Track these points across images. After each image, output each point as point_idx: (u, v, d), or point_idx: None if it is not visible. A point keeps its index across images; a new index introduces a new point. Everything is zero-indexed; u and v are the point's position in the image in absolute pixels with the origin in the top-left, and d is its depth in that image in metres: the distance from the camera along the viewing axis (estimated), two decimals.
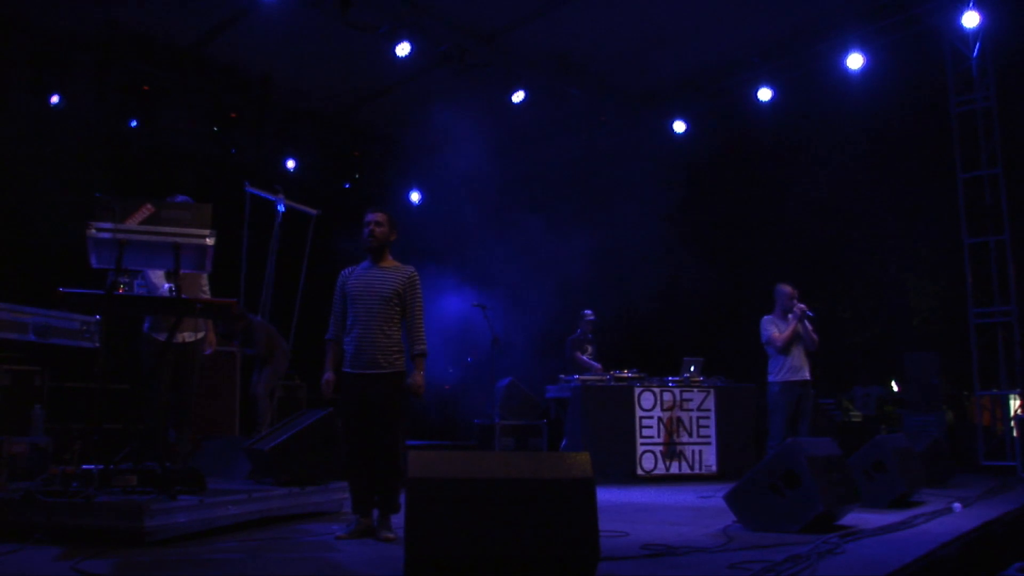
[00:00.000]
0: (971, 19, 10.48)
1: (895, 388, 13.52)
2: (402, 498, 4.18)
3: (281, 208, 10.54)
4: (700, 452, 9.81)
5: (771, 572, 4.02)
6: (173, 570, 4.16)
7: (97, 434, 5.31)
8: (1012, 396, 10.77)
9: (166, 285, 5.86)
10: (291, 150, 13.09)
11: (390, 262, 5.52)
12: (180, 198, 5.97)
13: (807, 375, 8.33)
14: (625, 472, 9.36)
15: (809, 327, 8.33)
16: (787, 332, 8.26)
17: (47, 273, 8.05)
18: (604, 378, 9.95)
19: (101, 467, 5.00)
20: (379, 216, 5.50)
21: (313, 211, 11.13)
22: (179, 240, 5.00)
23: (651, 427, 9.60)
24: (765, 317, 8.51)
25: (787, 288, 8.48)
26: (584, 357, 10.72)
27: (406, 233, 14.69)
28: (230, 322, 9.13)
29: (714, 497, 7.11)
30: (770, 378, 8.43)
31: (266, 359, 9.53)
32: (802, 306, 8.30)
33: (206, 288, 6.36)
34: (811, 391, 8.34)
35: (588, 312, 10.96)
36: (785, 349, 8.27)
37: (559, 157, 13.46)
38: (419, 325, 5.46)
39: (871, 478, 6.72)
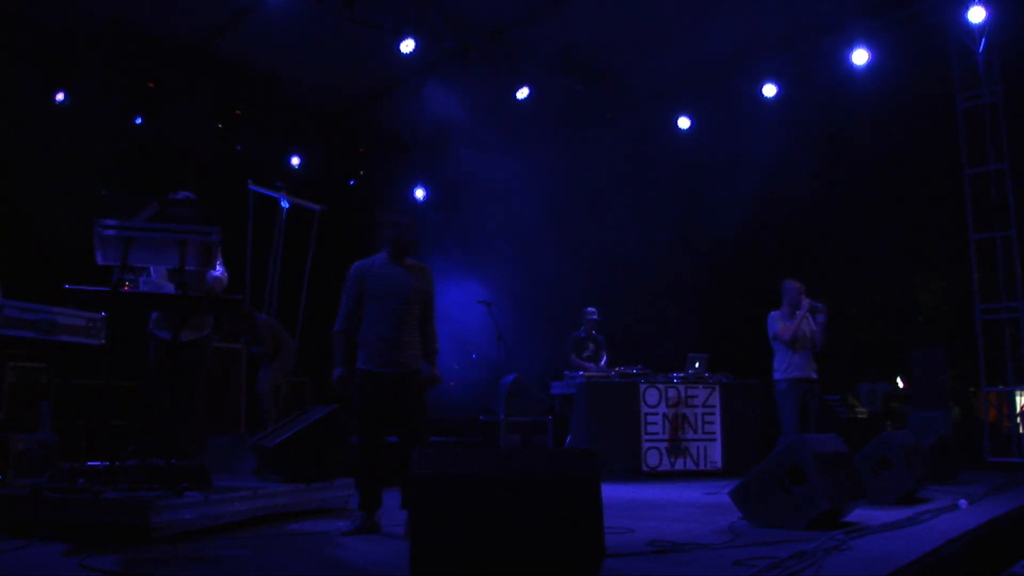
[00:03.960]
0: (977, 14, 10.45)
1: (901, 384, 13.52)
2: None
3: (285, 204, 10.56)
4: (705, 448, 9.81)
5: (777, 568, 4.02)
6: (179, 567, 4.16)
7: (103, 431, 5.32)
8: (1018, 392, 10.75)
9: (166, 284, 5.85)
10: (296, 147, 13.11)
11: (410, 261, 5.53)
12: (182, 194, 5.96)
13: (813, 374, 8.29)
14: (630, 469, 9.36)
15: (822, 320, 8.26)
16: (793, 325, 8.21)
17: (53, 270, 8.06)
18: (609, 375, 9.94)
19: (107, 463, 5.01)
20: (411, 218, 5.53)
21: (317, 207, 11.14)
22: (185, 237, 5.01)
23: (656, 424, 9.60)
24: (772, 313, 8.48)
25: (795, 284, 8.44)
26: (578, 359, 10.68)
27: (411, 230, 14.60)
28: (236, 320, 9.15)
29: (719, 494, 7.10)
30: (776, 375, 8.38)
31: (272, 357, 9.55)
32: (809, 300, 8.27)
33: (221, 275, 6.26)
34: (817, 389, 8.30)
35: (591, 309, 10.94)
36: (793, 344, 8.22)
37: (564, 154, 13.46)
38: (434, 324, 5.57)
39: (877, 475, 6.71)
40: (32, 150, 10.25)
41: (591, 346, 10.84)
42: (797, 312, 8.30)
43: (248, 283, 10.60)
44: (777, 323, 8.37)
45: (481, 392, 11.61)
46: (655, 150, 13.28)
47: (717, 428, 9.89)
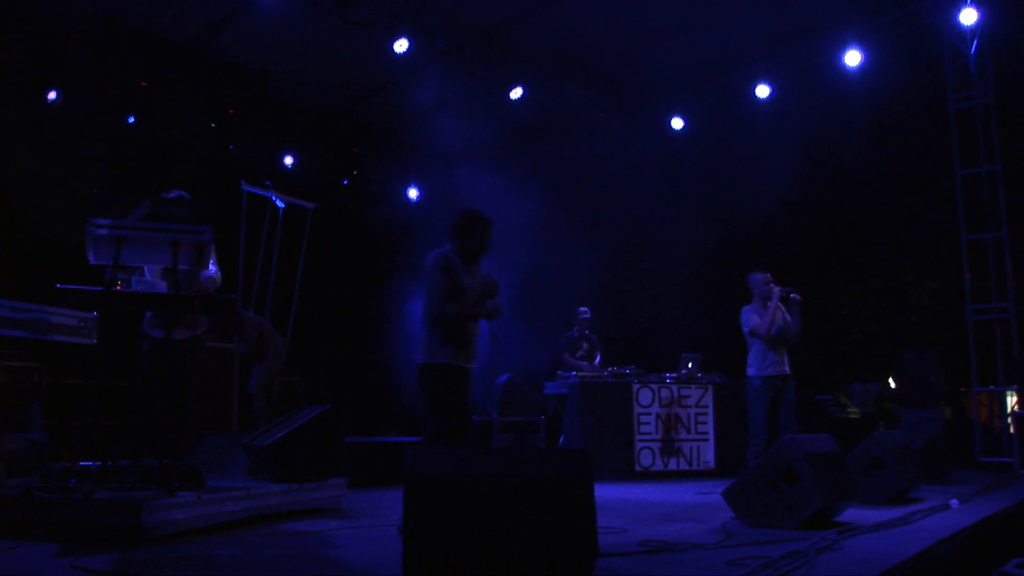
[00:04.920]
0: (968, 16, 10.47)
1: (893, 385, 13.55)
2: (399, 495, 4.15)
3: (281, 204, 10.54)
4: (698, 448, 9.82)
5: (769, 568, 4.03)
6: (171, 567, 4.15)
7: (95, 430, 5.31)
8: (1009, 393, 10.78)
9: (159, 283, 5.84)
10: (289, 146, 13.08)
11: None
12: (175, 193, 5.95)
13: (787, 369, 8.21)
14: (623, 469, 9.36)
15: (797, 307, 8.16)
16: (769, 318, 8.11)
17: (45, 269, 8.04)
18: (602, 375, 9.95)
19: (99, 463, 5.00)
20: (489, 227, 5.56)
21: (310, 205, 11.12)
22: (177, 237, 4.99)
23: (649, 424, 9.61)
24: (745, 307, 8.35)
25: (761, 275, 8.31)
26: (572, 359, 10.69)
27: (404, 229, 14.70)
28: (228, 319, 9.13)
29: (712, 493, 7.11)
30: (750, 371, 8.24)
31: (259, 356, 9.50)
32: (780, 288, 8.17)
33: (214, 273, 6.23)
34: (791, 384, 8.22)
35: (584, 309, 10.95)
36: (769, 337, 8.12)
37: (557, 154, 13.47)
38: None
39: (869, 475, 6.73)
40: (23, 148, 10.21)
41: (584, 346, 10.85)
42: (769, 303, 8.19)
43: (240, 282, 10.59)
44: (752, 317, 8.23)
45: (474, 392, 11.60)
46: (649, 150, 13.28)
47: (710, 428, 9.91)
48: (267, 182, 10.88)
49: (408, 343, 12.96)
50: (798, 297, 8.14)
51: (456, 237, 5.52)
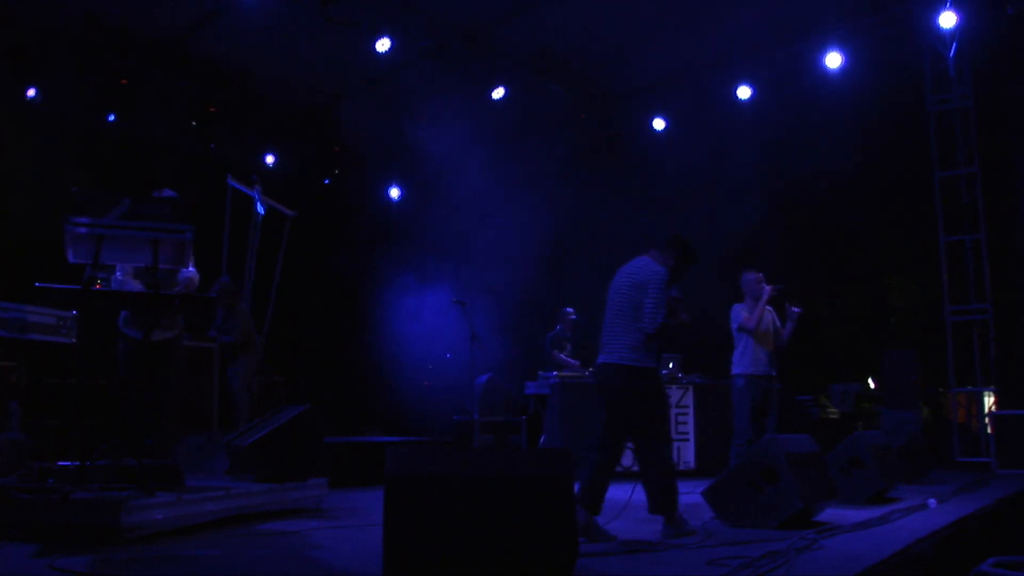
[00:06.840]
0: (948, 19, 10.54)
1: (872, 385, 13.63)
2: (380, 495, 4.13)
3: (261, 210, 10.48)
4: (679, 449, 9.85)
5: (749, 568, 4.04)
6: (150, 567, 4.13)
7: (74, 430, 5.27)
8: (986, 393, 10.88)
9: (131, 282, 5.81)
10: (270, 145, 13.04)
11: None
12: (166, 192, 5.91)
13: (773, 371, 8.20)
14: None
15: (792, 319, 8.16)
16: (757, 313, 8.08)
17: (23, 268, 7.97)
18: (583, 375, 9.96)
19: (78, 463, 4.96)
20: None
21: (290, 212, 11.06)
22: (158, 236, 4.96)
23: None
24: (735, 305, 8.32)
25: (753, 274, 8.29)
26: (562, 355, 10.71)
27: (385, 229, 14.58)
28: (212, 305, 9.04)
29: (693, 493, 7.11)
30: (734, 370, 8.18)
31: (242, 348, 9.44)
32: (771, 287, 8.16)
33: (192, 274, 6.18)
34: (776, 386, 8.21)
35: (569, 310, 10.96)
36: (758, 334, 8.10)
37: (539, 154, 13.47)
38: None
39: (848, 474, 6.77)
40: (2, 146, 10.12)
41: (568, 346, 10.86)
42: (759, 302, 8.19)
43: (224, 278, 10.52)
44: (741, 313, 8.24)
45: (455, 392, 11.61)
46: (630, 152, 13.31)
47: (690, 428, 9.94)
48: (254, 176, 10.80)
49: (391, 344, 12.98)
50: (798, 310, 8.14)
51: (676, 257, 5.90)
